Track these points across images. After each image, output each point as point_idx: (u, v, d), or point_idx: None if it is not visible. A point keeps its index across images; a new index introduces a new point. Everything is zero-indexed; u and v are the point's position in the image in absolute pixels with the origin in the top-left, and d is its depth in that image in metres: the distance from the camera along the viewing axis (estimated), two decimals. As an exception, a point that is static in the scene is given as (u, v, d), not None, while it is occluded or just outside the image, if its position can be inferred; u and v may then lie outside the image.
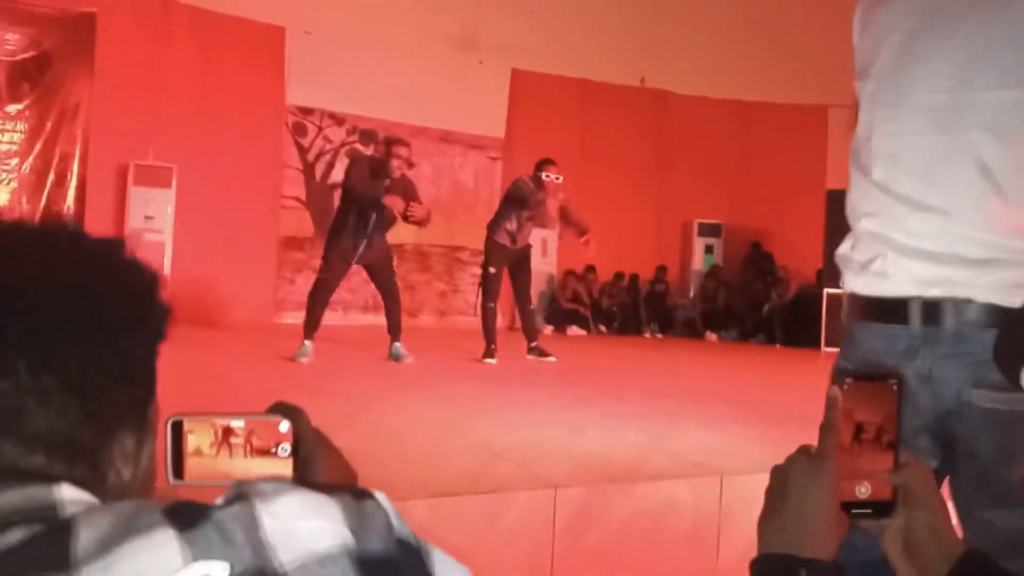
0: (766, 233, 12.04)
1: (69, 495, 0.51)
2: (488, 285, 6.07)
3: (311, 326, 5.54)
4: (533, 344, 6.25)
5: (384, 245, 5.70)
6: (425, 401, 3.87)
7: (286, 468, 0.66)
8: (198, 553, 0.47)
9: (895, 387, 0.67)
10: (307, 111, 10.14)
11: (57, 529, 0.47)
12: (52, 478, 0.52)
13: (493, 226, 6.19)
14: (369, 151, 10.58)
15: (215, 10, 9.10)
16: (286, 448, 0.66)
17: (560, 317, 11.00)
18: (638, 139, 11.97)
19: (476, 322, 7.24)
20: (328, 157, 10.37)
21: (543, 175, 6.07)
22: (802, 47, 11.99)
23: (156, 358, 0.60)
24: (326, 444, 0.72)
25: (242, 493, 0.51)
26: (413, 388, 4.35)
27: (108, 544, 0.46)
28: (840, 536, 0.67)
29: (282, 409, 0.70)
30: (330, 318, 10.11)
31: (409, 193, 5.48)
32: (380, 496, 0.54)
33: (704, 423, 3.46)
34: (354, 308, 10.16)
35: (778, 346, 10.08)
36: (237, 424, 0.65)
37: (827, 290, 9.32)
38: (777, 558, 0.65)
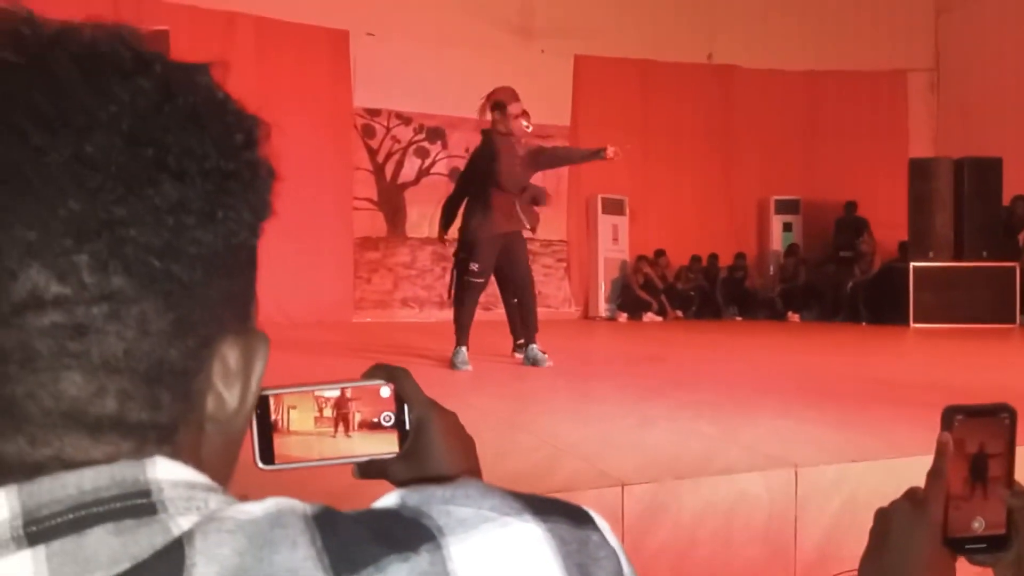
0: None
1: (166, 474, 0.36)
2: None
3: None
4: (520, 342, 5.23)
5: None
6: (494, 398, 3.88)
7: (392, 442, 0.58)
8: None
9: (1007, 420, 0.67)
10: (374, 112, 10.29)
11: (162, 557, 0.33)
12: (133, 429, 0.37)
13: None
14: (436, 149, 10.67)
15: (279, 18, 9.33)
16: (389, 417, 0.58)
17: (633, 304, 10.90)
18: (706, 118, 11.72)
19: (546, 312, 7.21)
20: (397, 157, 10.51)
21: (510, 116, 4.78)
22: (874, 12, 11.49)
23: (259, 239, 0.43)
24: (437, 409, 0.60)
25: (422, 519, 0.37)
26: (484, 383, 4.37)
27: None
28: None
29: (382, 371, 0.59)
30: (406, 315, 10.27)
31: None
32: (601, 522, 0.40)
33: (779, 411, 3.36)
34: (429, 305, 10.32)
35: (863, 324, 9.73)
36: (332, 394, 0.57)
37: (913, 263, 8.94)
38: None
